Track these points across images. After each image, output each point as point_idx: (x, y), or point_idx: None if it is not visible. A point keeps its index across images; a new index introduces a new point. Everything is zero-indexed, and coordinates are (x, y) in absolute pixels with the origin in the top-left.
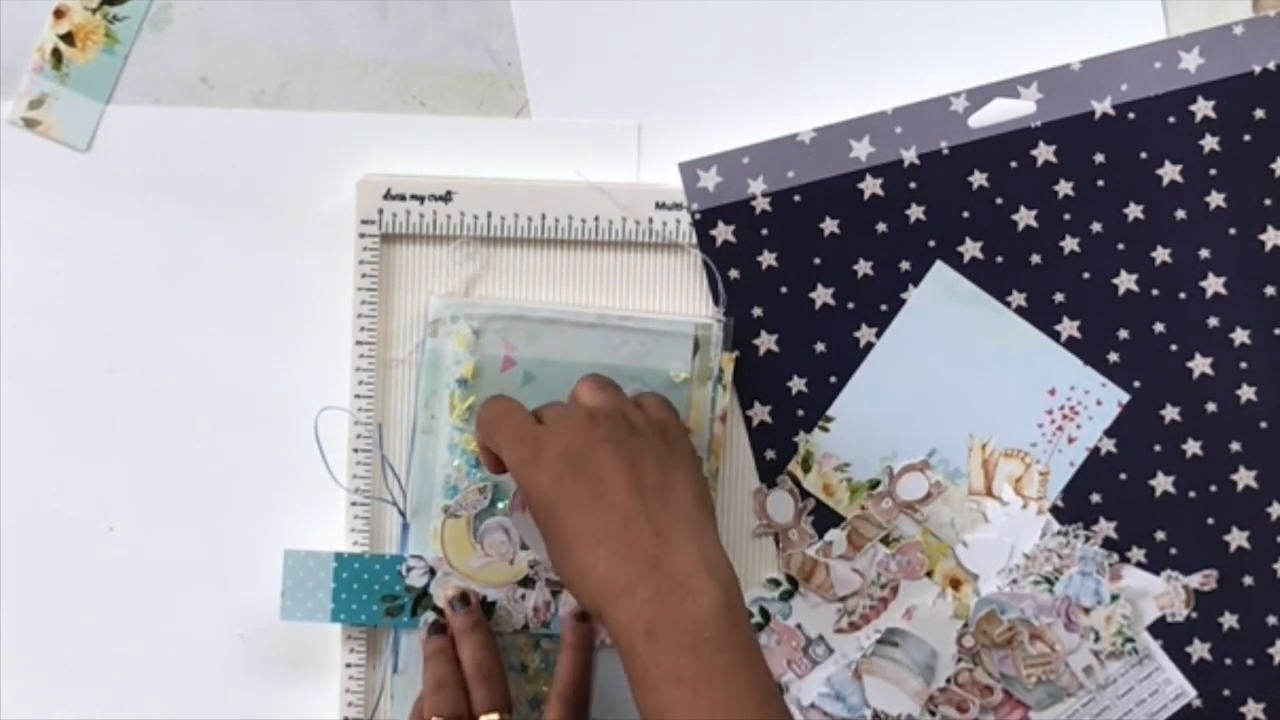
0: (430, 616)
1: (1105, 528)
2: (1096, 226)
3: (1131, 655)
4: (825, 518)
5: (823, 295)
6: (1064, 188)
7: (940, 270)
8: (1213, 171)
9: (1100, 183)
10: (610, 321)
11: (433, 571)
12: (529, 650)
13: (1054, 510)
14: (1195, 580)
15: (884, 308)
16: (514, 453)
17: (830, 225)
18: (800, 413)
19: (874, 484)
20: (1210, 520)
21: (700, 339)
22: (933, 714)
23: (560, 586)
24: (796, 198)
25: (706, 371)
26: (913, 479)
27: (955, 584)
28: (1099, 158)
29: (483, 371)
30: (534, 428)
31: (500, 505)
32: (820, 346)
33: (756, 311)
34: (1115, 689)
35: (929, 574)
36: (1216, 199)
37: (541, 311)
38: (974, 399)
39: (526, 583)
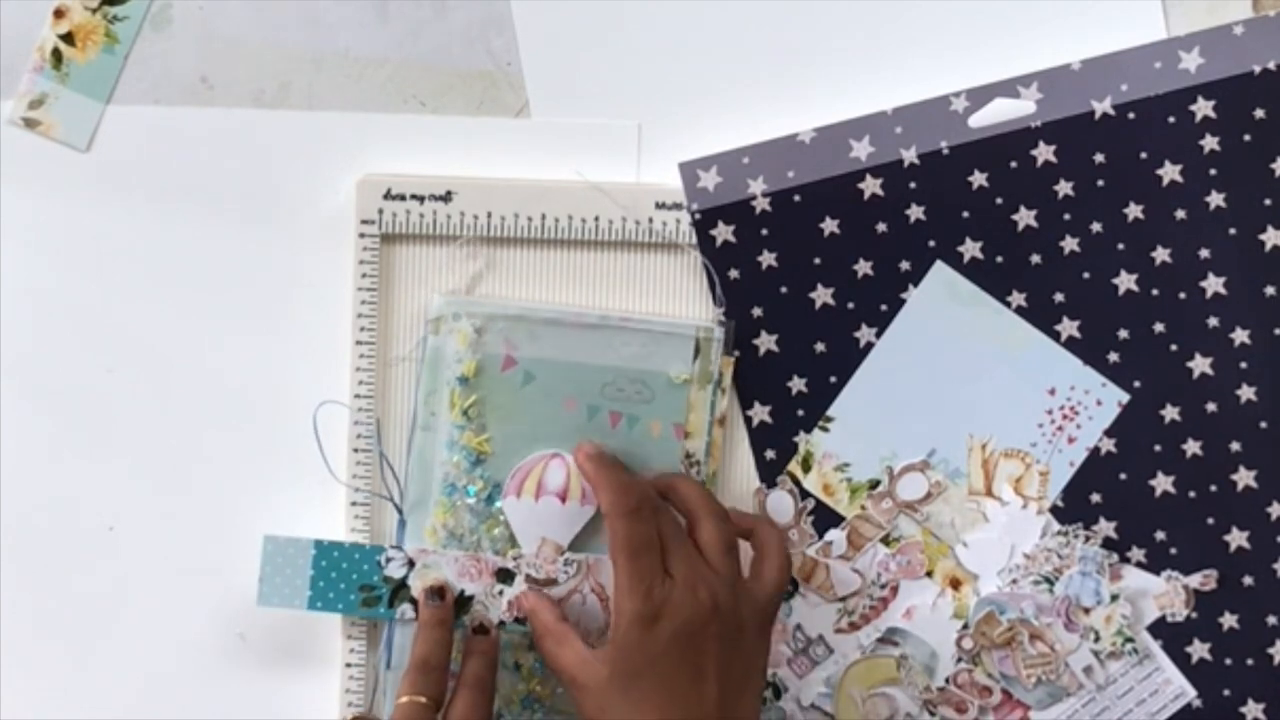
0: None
1: (1105, 528)
2: (1096, 226)
3: (1131, 655)
4: (825, 518)
5: (823, 295)
6: (1064, 188)
7: (940, 270)
8: (1213, 171)
9: (1100, 183)
10: (612, 322)
11: (411, 563)
12: (523, 650)
13: (1054, 510)
14: (1195, 580)
15: (884, 308)
16: (633, 603)
17: (830, 225)
18: (800, 413)
19: (874, 484)
20: (1210, 520)
21: (701, 341)
22: (932, 714)
23: (540, 584)
24: (796, 198)
25: (707, 375)
26: (913, 479)
27: (955, 584)
28: (1099, 158)
29: (484, 370)
30: (661, 585)
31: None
32: (820, 346)
33: (756, 311)
34: (1115, 689)
35: (929, 574)
36: (1216, 199)
37: (543, 311)
38: (974, 399)
39: (505, 577)
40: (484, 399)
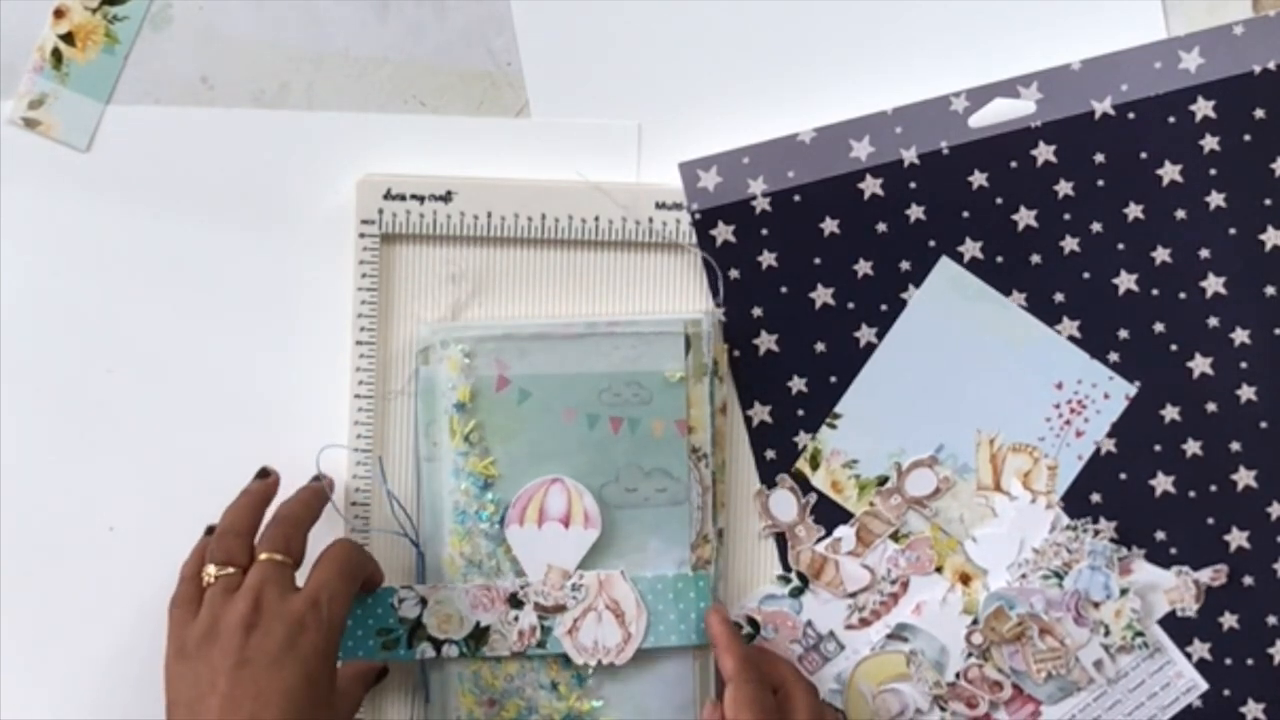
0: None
1: (1106, 528)
2: (1096, 226)
3: (1142, 649)
4: (834, 514)
5: (823, 295)
6: (1064, 188)
7: (945, 265)
8: (1213, 171)
9: (1100, 183)
10: (599, 329)
11: (424, 601)
12: (559, 668)
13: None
14: (1206, 575)
15: (884, 308)
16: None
17: (830, 225)
18: (800, 413)
19: (882, 480)
20: (1210, 520)
21: (691, 336)
22: (943, 709)
23: (549, 611)
24: (796, 198)
25: (701, 368)
26: (921, 475)
27: (965, 579)
28: (1099, 158)
29: (479, 393)
30: None
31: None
32: (820, 346)
33: (756, 311)
34: (1126, 683)
35: (938, 569)
36: (1216, 199)
37: (530, 327)
38: (981, 394)
39: (516, 603)
40: (483, 422)
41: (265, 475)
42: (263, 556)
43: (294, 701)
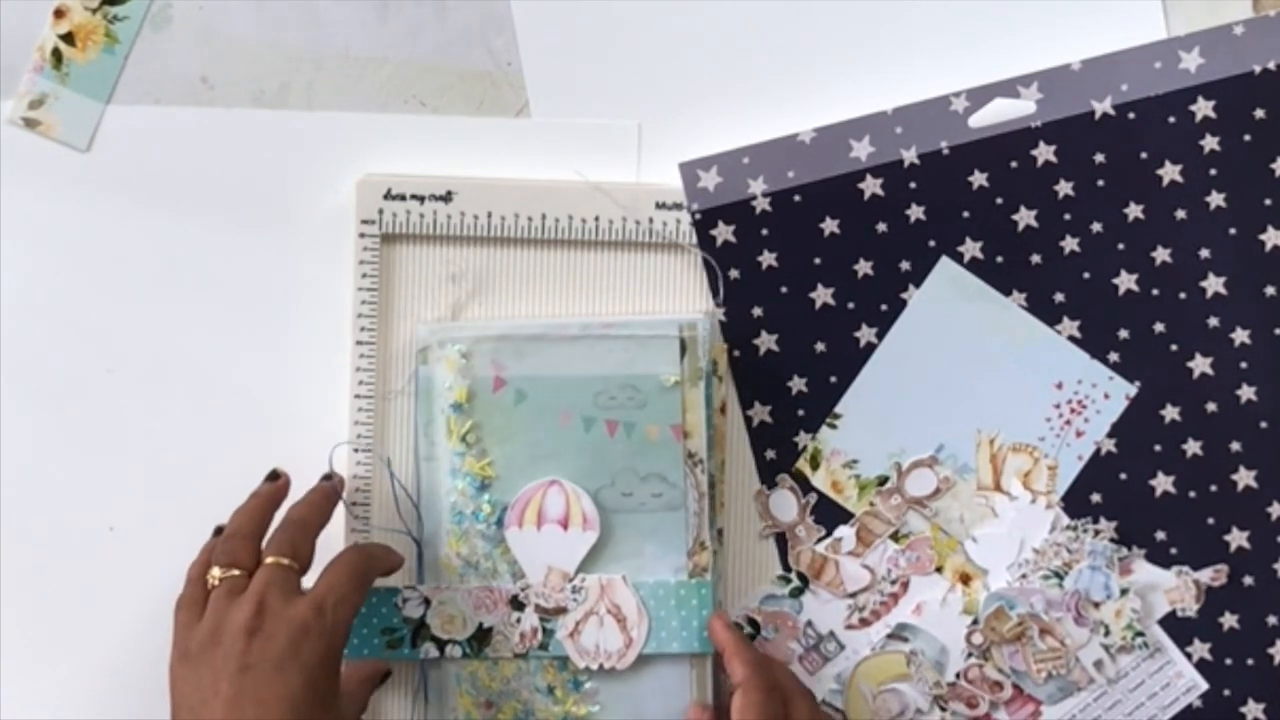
0: (430, 649)
1: (1106, 528)
2: (1096, 226)
3: (1142, 649)
4: (834, 514)
5: (823, 295)
6: (1064, 188)
7: (945, 265)
8: (1213, 171)
9: (1100, 183)
10: (594, 331)
11: (428, 602)
12: (555, 672)
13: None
14: (1206, 575)
15: (884, 308)
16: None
17: (830, 225)
18: (801, 412)
19: (883, 480)
20: (1210, 520)
21: (686, 340)
22: (943, 710)
23: (550, 613)
24: (796, 198)
25: (697, 372)
26: (921, 475)
27: (965, 579)
28: (1099, 158)
29: (475, 394)
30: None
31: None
32: (820, 346)
33: (756, 311)
34: (1127, 683)
35: (938, 569)
36: (1216, 199)
37: (527, 329)
38: (981, 394)
39: (517, 605)
40: (480, 423)
41: (275, 478)
42: (268, 560)
43: (296, 707)
